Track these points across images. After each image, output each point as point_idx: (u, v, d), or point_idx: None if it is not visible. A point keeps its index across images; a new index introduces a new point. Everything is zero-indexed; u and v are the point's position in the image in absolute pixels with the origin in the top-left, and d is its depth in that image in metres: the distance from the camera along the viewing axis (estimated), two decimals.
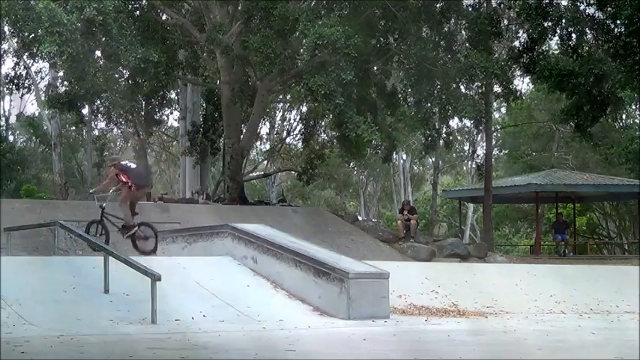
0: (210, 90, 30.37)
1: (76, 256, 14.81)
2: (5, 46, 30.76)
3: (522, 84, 39.92)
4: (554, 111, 32.72)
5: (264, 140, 42.78)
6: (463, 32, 26.87)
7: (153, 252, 14.23)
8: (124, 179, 14.04)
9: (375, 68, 25.69)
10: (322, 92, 20.27)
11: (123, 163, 14.67)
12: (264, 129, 40.30)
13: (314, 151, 30.90)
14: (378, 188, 51.48)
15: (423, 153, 32.94)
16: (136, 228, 14.34)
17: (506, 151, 44.65)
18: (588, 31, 22.53)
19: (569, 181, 28.86)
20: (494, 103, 34.56)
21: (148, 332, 9.44)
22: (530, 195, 29.96)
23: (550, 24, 22.73)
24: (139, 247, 14.37)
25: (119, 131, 37.06)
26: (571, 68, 20.80)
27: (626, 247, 38.11)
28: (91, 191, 15.81)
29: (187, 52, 27.61)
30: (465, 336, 10.00)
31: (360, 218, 29.68)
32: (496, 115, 41.51)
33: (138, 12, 24.81)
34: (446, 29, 25.34)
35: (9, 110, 44.96)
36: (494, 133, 39.08)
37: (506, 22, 26.44)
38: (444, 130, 27.54)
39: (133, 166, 14.90)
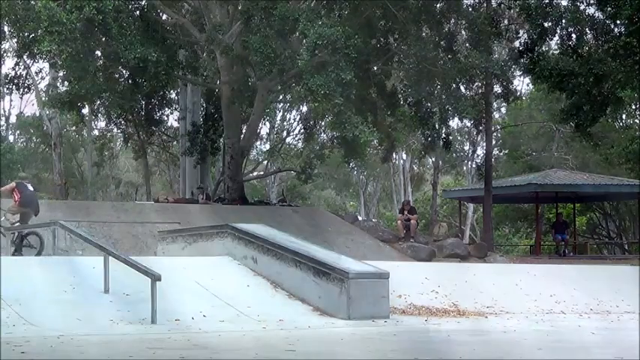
0: (210, 90, 30.36)
1: (76, 256, 14.80)
2: (6, 45, 30.77)
3: (522, 84, 39.99)
4: (554, 111, 32.73)
5: (264, 140, 42.81)
6: (463, 32, 26.88)
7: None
8: (16, 197, 16.36)
9: (375, 68, 25.69)
10: (322, 92, 20.27)
11: (24, 184, 16.90)
12: (264, 129, 40.35)
13: (313, 151, 30.91)
14: (378, 188, 51.49)
15: (423, 153, 32.97)
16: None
17: (507, 151, 44.64)
18: (588, 31, 22.54)
19: (569, 181, 28.86)
20: (494, 103, 34.56)
21: (148, 332, 9.43)
22: (530, 195, 29.95)
23: (550, 24, 22.73)
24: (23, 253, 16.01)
25: (119, 131, 37.04)
26: (571, 68, 20.80)
27: (626, 247, 38.11)
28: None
29: (187, 52, 27.60)
30: (465, 336, 10.00)
31: (360, 218, 29.70)
32: (496, 115, 41.51)
33: (138, 12, 24.81)
34: (446, 29, 25.35)
35: (9, 110, 45.02)
36: (494, 133, 39.06)
37: (506, 22, 26.44)
38: (444, 130, 27.55)
39: (30, 189, 16.84)
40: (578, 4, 22.60)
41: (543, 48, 24.54)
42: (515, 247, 42.62)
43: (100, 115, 32.22)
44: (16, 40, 25.63)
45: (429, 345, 9.02)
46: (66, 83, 24.78)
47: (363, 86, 24.28)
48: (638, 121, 36.87)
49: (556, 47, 24.70)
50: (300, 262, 12.39)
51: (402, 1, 23.24)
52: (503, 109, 42.77)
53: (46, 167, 42.66)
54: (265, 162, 44.47)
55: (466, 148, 47.53)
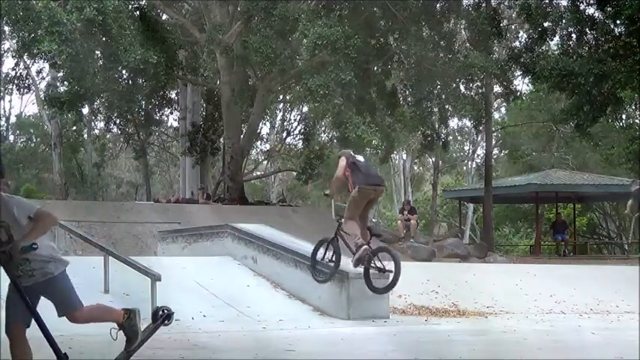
0: (210, 90, 30.38)
1: (76, 256, 14.79)
2: (7, 44, 30.79)
3: (522, 84, 39.97)
4: (554, 111, 32.75)
5: (264, 140, 42.83)
6: (463, 32, 26.89)
7: (385, 290, 10.78)
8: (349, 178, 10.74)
9: (375, 68, 25.70)
10: (321, 92, 20.29)
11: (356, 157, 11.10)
12: (264, 129, 40.37)
13: (313, 151, 30.93)
14: None
15: (422, 152, 33.01)
16: (365, 248, 10.60)
17: (507, 151, 44.63)
18: (588, 31, 22.55)
19: (569, 181, 28.87)
20: (494, 103, 34.59)
21: None
22: (530, 195, 29.96)
23: (550, 24, 22.75)
24: (371, 282, 10.77)
25: (119, 131, 37.07)
26: (571, 68, 20.82)
27: (626, 247, 38.11)
28: (325, 192, 12.42)
29: (187, 52, 27.61)
30: (465, 336, 9.99)
31: None
32: (496, 115, 41.54)
33: (138, 12, 24.83)
34: (446, 29, 25.38)
35: (9, 110, 45.02)
36: (494, 133, 39.06)
37: (506, 22, 26.46)
38: (443, 130, 27.56)
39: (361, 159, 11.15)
40: (578, 4, 22.62)
41: (543, 48, 24.57)
42: (515, 247, 42.61)
43: (100, 115, 32.21)
44: (16, 40, 25.65)
45: (429, 345, 9.01)
46: (65, 83, 24.80)
47: (363, 86, 24.30)
48: (638, 121, 36.87)
49: (556, 47, 24.73)
50: (300, 262, 12.39)
51: (402, 1, 23.26)
52: (503, 109, 42.80)
53: (46, 167, 42.65)
54: (265, 162, 44.47)
55: (466, 148, 47.57)
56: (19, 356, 5.37)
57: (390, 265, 10.50)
